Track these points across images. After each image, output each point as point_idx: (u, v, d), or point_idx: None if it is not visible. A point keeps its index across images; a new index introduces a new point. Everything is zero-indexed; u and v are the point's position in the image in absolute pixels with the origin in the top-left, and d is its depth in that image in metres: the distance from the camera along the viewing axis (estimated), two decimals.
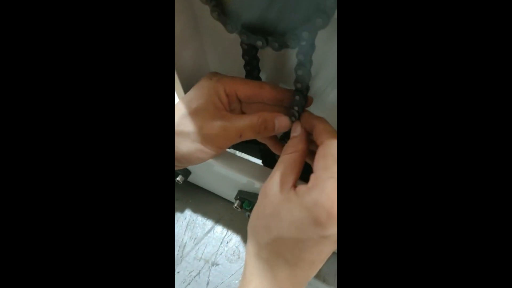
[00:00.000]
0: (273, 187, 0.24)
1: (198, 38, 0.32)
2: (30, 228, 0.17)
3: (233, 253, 0.47)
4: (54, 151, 0.17)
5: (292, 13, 0.19)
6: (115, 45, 0.17)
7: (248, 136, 0.27)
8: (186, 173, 0.48)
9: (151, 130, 0.18)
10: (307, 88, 0.25)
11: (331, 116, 0.27)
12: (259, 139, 0.32)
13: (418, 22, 0.15)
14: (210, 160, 0.40)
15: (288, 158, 0.25)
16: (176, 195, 0.52)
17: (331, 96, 0.31)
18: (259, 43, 0.22)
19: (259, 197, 0.26)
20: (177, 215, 0.50)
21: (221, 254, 0.47)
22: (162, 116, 0.18)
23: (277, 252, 0.24)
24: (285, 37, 0.21)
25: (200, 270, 0.45)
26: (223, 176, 0.43)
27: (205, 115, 0.26)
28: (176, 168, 0.30)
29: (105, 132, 0.17)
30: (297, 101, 0.26)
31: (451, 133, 0.15)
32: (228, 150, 0.47)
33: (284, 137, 0.31)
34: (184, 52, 0.31)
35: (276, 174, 0.25)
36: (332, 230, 0.21)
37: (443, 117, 0.15)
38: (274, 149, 0.32)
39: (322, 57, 0.26)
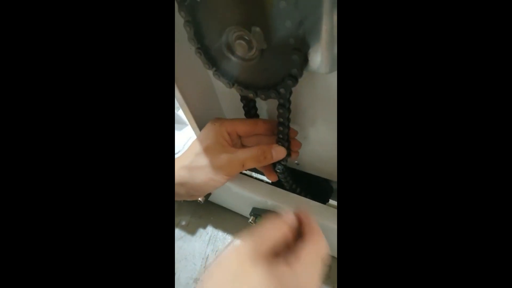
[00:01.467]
0: (244, 249, 0.22)
1: (211, 85, 0.40)
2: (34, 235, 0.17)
3: None
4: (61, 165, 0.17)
5: (271, 77, 0.26)
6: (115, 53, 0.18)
7: (250, 165, 0.34)
8: (207, 194, 0.55)
9: (152, 135, 0.19)
10: (289, 120, 0.32)
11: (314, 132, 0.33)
12: (257, 167, 0.39)
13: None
14: (228, 183, 0.47)
15: (270, 231, 0.24)
16: (199, 213, 0.59)
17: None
18: (250, 95, 0.29)
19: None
20: (200, 231, 0.57)
21: None
22: (162, 124, 0.19)
23: None
24: (268, 91, 0.27)
25: None
26: (239, 195, 0.49)
27: (213, 152, 0.33)
28: (194, 198, 0.37)
29: (107, 136, 0.18)
30: (280, 131, 0.32)
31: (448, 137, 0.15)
32: (244, 172, 0.53)
33: (277, 163, 0.37)
34: (200, 94, 0.38)
35: (250, 240, 0.23)
36: None
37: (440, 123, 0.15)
38: (268, 176, 0.38)
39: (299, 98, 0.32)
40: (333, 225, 0.42)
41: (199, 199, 0.54)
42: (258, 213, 0.48)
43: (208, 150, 0.33)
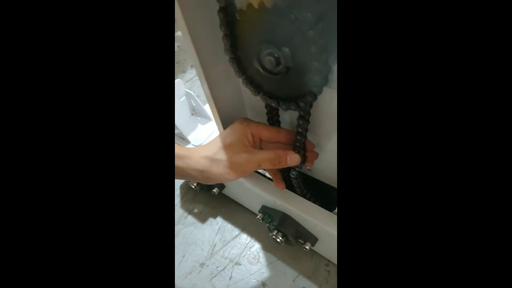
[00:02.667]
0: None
1: (239, 89, 0.43)
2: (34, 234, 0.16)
3: (254, 257, 0.56)
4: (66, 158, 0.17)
5: (293, 91, 0.29)
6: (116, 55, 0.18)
7: (266, 166, 0.37)
8: (221, 186, 0.59)
9: (152, 135, 0.19)
10: (306, 130, 0.35)
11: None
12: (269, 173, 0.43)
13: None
14: (242, 179, 0.50)
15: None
16: (212, 204, 0.63)
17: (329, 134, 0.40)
18: (273, 104, 0.32)
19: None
20: (211, 220, 0.61)
21: (244, 256, 0.56)
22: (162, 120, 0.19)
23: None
24: (289, 103, 0.30)
25: (225, 267, 0.55)
26: (251, 192, 0.52)
27: (235, 149, 0.37)
28: (211, 183, 0.41)
29: (108, 134, 0.18)
30: (298, 140, 0.35)
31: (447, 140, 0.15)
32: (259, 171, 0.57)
33: (291, 169, 0.40)
34: (225, 94, 0.42)
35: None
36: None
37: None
38: (276, 184, 0.41)
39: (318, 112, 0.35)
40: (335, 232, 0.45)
41: (213, 190, 0.58)
42: (267, 212, 0.51)
43: (230, 146, 0.37)
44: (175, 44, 1.03)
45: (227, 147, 0.37)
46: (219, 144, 0.38)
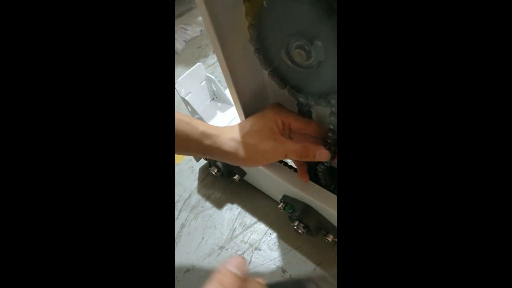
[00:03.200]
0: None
1: (260, 73, 0.41)
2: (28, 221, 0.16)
3: (274, 243, 0.56)
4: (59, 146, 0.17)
5: (324, 86, 0.27)
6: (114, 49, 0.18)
7: (292, 157, 0.36)
8: (242, 173, 0.58)
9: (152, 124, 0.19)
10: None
11: None
12: (295, 164, 0.41)
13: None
14: (263, 167, 0.49)
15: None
16: (231, 189, 0.63)
17: None
18: (301, 99, 0.30)
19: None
20: (230, 206, 0.62)
21: (264, 242, 0.57)
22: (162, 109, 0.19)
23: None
24: (319, 99, 0.28)
25: (245, 251, 0.56)
26: (273, 181, 0.52)
27: (263, 135, 0.35)
28: (234, 164, 0.39)
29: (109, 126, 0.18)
30: (330, 136, 0.33)
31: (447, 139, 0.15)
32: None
33: (319, 163, 0.38)
34: (248, 84, 0.40)
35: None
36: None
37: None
38: (300, 176, 0.40)
39: None
40: None
41: (234, 177, 0.57)
42: (289, 201, 0.50)
43: (259, 132, 0.36)
44: (198, 29, 1.00)
45: (256, 132, 0.36)
46: (248, 127, 0.36)
